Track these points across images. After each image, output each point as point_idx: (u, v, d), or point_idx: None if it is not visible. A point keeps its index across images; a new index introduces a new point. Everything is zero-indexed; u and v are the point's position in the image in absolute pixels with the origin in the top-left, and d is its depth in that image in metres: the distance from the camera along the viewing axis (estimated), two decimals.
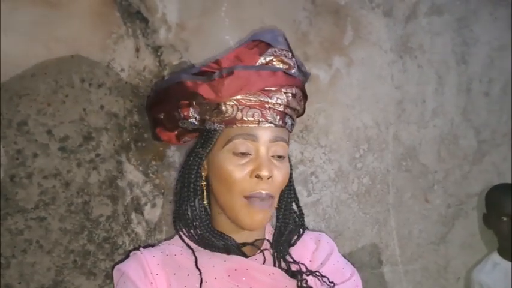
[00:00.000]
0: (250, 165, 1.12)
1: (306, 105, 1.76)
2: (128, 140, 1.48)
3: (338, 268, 1.25)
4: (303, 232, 1.30)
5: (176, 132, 1.30)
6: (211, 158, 1.18)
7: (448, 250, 2.10)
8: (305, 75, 1.31)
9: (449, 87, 2.10)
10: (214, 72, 1.16)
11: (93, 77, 1.44)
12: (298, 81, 1.20)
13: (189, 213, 1.20)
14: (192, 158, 1.21)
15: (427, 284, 2.06)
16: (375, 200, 1.93)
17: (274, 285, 1.13)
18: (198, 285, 1.09)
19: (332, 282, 1.18)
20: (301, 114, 1.33)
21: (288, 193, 1.26)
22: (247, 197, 1.11)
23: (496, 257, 2.08)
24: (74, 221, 1.41)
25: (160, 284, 1.09)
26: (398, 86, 1.98)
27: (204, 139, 1.19)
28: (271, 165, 1.12)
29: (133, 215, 1.49)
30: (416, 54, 2.03)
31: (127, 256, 1.18)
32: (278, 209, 1.26)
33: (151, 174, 1.51)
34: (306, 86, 1.77)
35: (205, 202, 1.22)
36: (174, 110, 1.22)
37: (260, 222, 1.13)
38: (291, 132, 1.23)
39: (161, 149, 1.52)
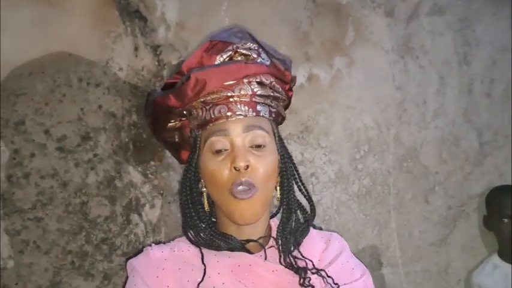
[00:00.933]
0: (228, 159, 1.12)
1: (307, 105, 1.76)
2: (127, 140, 1.47)
3: (347, 268, 1.24)
4: (309, 229, 1.28)
5: None
6: (199, 163, 1.19)
7: (449, 252, 2.09)
8: (284, 63, 1.28)
9: (450, 88, 2.09)
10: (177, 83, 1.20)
11: (91, 76, 1.43)
12: (264, 68, 1.19)
13: (191, 219, 1.21)
14: (186, 168, 1.23)
15: (427, 286, 2.04)
16: (375, 202, 1.92)
17: (277, 281, 1.14)
18: (201, 279, 1.10)
19: (337, 284, 1.16)
20: (288, 103, 1.32)
21: (286, 183, 1.24)
22: (231, 190, 1.11)
23: (496, 259, 2.07)
24: (71, 222, 1.40)
25: (166, 278, 1.11)
26: (399, 86, 1.97)
27: (192, 147, 1.22)
28: (247, 154, 1.12)
29: (131, 216, 1.48)
30: (417, 54, 2.01)
31: (140, 251, 1.20)
32: (281, 200, 1.24)
33: (150, 175, 1.50)
34: (307, 86, 1.78)
35: (206, 206, 1.22)
36: (183, 130, 1.25)
37: (249, 214, 1.13)
38: (274, 119, 1.23)
39: (160, 149, 1.51)
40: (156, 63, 1.51)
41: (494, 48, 2.18)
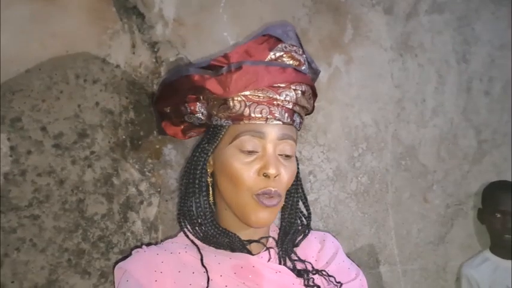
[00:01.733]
0: (258, 163, 1.09)
1: None
2: (124, 137, 1.47)
3: (343, 268, 1.25)
4: (308, 232, 1.28)
5: (182, 127, 1.29)
6: (217, 154, 1.15)
7: (447, 250, 2.09)
8: (315, 72, 1.28)
9: (449, 86, 2.09)
10: (222, 67, 1.13)
11: (88, 73, 1.42)
12: (308, 78, 1.18)
13: (193, 209, 1.18)
14: (198, 154, 1.18)
15: (425, 284, 2.05)
16: (373, 200, 1.92)
17: (281, 282, 1.12)
18: (204, 283, 1.07)
19: (339, 282, 1.17)
20: (310, 113, 1.30)
21: (295, 192, 1.24)
22: (257, 195, 1.09)
23: (487, 253, 2.10)
24: (68, 219, 1.39)
25: (164, 282, 1.07)
26: (398, 84, 1.97)
27: (211, 135, 1.17)
28: (278, 163, 1.10)
29: (128, 214, 1.47)
30: (416, 52, 2.01)
31: (128, 254, 1.16)
32: (284, 208, 1.24)
33: (147, 173, 1.50)
34: None
35: (210, 199, 1.20)
36: (181, 104, 1.19)
37: (266, 220, 1.11)
38: (299, 130, 1.21)
39: (157, 146, 1.50)
40: (154, 60, 1.51)
41: (493, 46, 2.18)
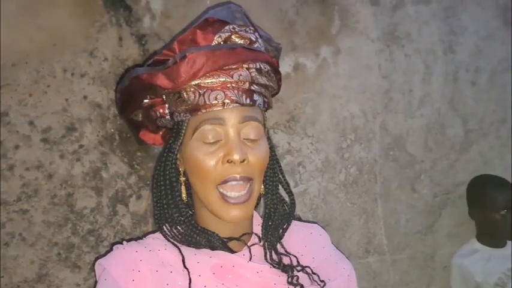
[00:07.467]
0: (221, 151, 1.04)
1: (293, 94, 1.76)
2: (112, 130, 1.46)
3: (330, 263, 1.20)
4: (291, 221, 1.21)
5: (160, 133, 1.24)
6: (183, 150, 1.11)
7: (435, 239, 2.11)
8: (276, 49, 1.22)
9: (436, 77, 2.10)
10: (169, 60, 1.09)
11: (76, 67, 1.41)
12: (263, 55, 1.11)
13: (168, 211, 1.13)
14: (165, 154, 1.14)
15: (414, 273, 2.06)
16: (362, 190, 1.93)
17: (262, 283, 1.07)
18: (182, 283, 1.03)
19: (323, 281, 1.12)
20: (277, 93, 1.24)
21: (273, 176, 1.18)
22: (221, 185, 1.04)
23: (475, 244, 2.12)
24: (57, 214, 1.39)
25: (142, 281, 1.02)
26: (385, 75, 1.98)
27: (175, 132, 1.12)
28: (243, 147, 1.05)
29: (118, 207, 1.47)
30: (403, 43, 2.02)
31: (110, 249, 1.12)
32: (265, 195, 1.18)
33: (136, 166, 1.50)
34: (293, 75, 1.77)
35: (184, 197, 1.14)
36: (150, 109, 1.15)
37: (239, 216, 1.06)
38: (265, 110, 1.16)
39: None
40: (142, 53, 1.50)
41: (479, 36, 2.19)
